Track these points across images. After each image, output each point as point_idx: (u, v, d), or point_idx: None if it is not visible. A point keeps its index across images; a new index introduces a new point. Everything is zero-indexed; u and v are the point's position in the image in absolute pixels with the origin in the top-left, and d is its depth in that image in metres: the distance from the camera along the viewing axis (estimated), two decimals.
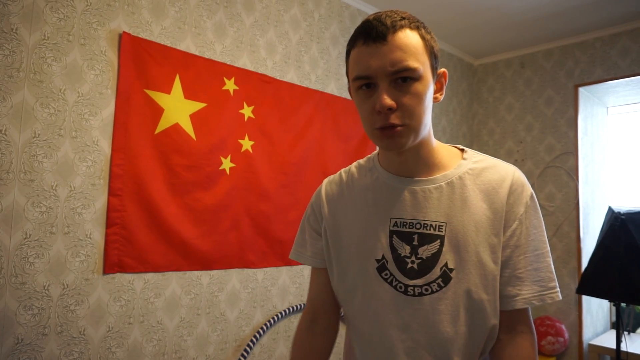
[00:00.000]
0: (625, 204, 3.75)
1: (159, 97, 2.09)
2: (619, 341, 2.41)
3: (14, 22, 1.74)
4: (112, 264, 1.93)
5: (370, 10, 3.13)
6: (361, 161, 1.01)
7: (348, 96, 2.96)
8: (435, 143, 0.92)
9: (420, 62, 0.80)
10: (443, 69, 0.89)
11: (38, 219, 1.77)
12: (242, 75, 2.40)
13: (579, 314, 3.34)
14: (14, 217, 1.72)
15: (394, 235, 0.88)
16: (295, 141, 2.59)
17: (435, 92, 0.88)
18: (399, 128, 0.81)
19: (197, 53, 2.25)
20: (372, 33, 0.80)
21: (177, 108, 2.15)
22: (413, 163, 0.89)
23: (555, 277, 0.86)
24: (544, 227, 0.88)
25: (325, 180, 1.04)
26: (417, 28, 0.82)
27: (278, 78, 2.57)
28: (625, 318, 3.44)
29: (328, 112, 2.77)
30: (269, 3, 2.59)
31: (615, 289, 2.29)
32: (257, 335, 2.35)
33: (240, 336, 2.35)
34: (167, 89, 2.12)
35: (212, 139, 2.26)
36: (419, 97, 0.81)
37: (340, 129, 2.82)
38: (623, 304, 2.43)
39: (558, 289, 0.85)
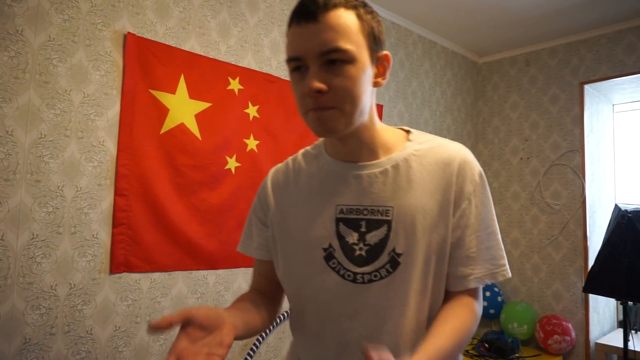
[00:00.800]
0: (632, 202, 3.73)
1: (164, 97, 2.10)
2: (626, 340, 2.40)
3: (20, 23, 1.75)
4: (119, 263, 1.93)
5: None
6: (308, 148, 0.97)
7: None
8: (379, 126, 0.88)
9: (353, 44, 0.76)
10: (385, 52, 0.84)
11: (45, 219, 1.78)
12: (247, 75, 2.40)
13: (585, 313, 3.32)
14: (21, 217, 1.73)
15: (341, 223, 0.85)
16: (301, 140, 2.59)
17: (377, 76, 0.84)
18: (328, 110, 0.77)
19: (201, 53, 2.26)
20: (303, 12, 0.76)
21: (182, 108, 2.15)
22: (356, 148, 0.86)
23: (505, 254, 0.85)
24: (492, 204, 0.87)
25: (272, 170, 1.00)
26: (355, 7, 0.78)
27: (283, 77, 2.57)
28: (633, 317, 3.42)
29: None
30: (272, 2, 2.59)
31: (622, 288, 2.28)
32: (264, 334, 2.36)
33: None
34: (172, 89, 2.12)
35: (217, 139, 2.26)
36: (352, 80, 0.77)
37: None
38: (630, 303, 2.41)
39: (507, 266, 0.85)
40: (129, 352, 1.97)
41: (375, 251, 0.83)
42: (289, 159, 0.99)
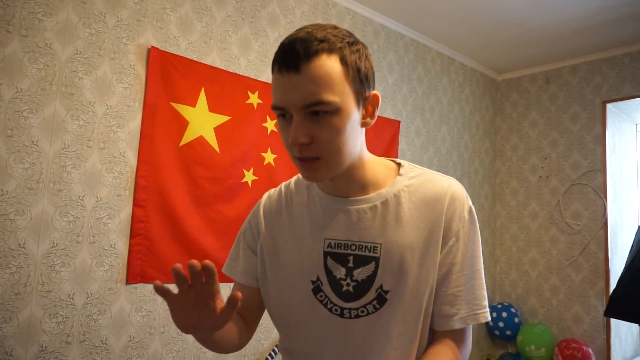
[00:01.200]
0: None
1: (185, 110, 2.13)
2: None
3: (49, 37, 1.80)
4: (135, 274, 1.95)
5: (393, 27, 3.14)
6: (300, 176, 0.94)
7: (380, 113, 2.95)
8: (369, 161, 0.87)
9: (337, 94, 0.74)
10: (374, 92, 0.81)
11: (65, 228, 1.81)
12: (266, 89, 2.42)
13: (607, 338, 3.22)
14: (42, 226, 1.76)
15: (329, 257, 0.84)
16: None
17: (365, 116, 0.82)
18: (314, 161, 0.77)
19: (222, 67, 2.29)
20: (285, 61, 0.73)
21: (202, 121, 2.18)
22: (346, 184, 0.85)
23: (486, 295, 0.84)
24: (480, 242, 0.86)
25: (265, 195, 0.98)
26: (339, 50, 0.74)
27: None
28: None
29: None
30: (292, 18, 2.62)
31: None
32: (276, 349, 2.34)
33: (259, 350, 2.34)
34: (193, 102, 2.15)
35: (235, 152, 2.28)
36: (336, 131, 0.75)
37: None
38: None
39: (487, 309, 0.84)
40: None
41: (362, 287, 0.82)
42: (282, 185, 0.98)
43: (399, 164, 0.90)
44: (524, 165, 3.85)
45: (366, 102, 0.81)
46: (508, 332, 3.48)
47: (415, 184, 0.86)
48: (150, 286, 2.01)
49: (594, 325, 3.29)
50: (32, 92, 1.75)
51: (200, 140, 2.17)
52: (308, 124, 0.75)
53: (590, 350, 3.13)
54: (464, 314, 0.82)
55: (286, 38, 0.75)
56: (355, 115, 0.78)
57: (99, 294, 1.87)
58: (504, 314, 3.50)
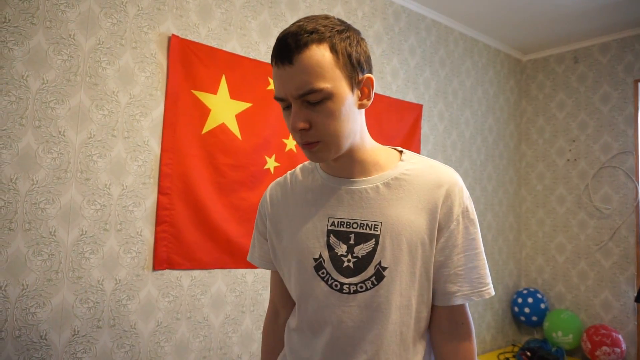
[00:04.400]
0: None
1: (206, 98, 2.13)
2: None
3: (72, 28, 1.81)
4: (161, 260, 1.98)
5: (414, 9, 3.06)
6: (306, 163, 1.03)
7: (392, 94, 2.91)
8: (370, 145, 0.93)
9: (328, 80, 0.79)
10: (367, 75, 0.86)
11: (93, 216, 1.84)
12: None
13: (637, 324, 3.14)
14: (71, 214, 1.80)
15: (331, 234, 0.90)
16: None
17: (361, 99, 0.87)
18: (314, 144, 0.83)
19: (242, 54, 2.28)
20: (280, 55, 0.80)
21: (224, 108, 2.18)
22: (349, 165, 0.91)
23: (489, 274, 0.90)
24: (478, 226, 0.91)
25: (272, 184, 1.05)
26: (328, 39, 0.80)
27: None
28: None
29: (371, 111, 2.74)
30: (312, 3, 2.58)
31: None
32: None
33: None
34: (214, 90, 2.15)
35: (257, 139, 2.28)
36: (332, 115, 0.81)
37: (383, 128, 2.78)
38: None
39: (491, 286, 0.90)
40: (170, 348, 2.01)
41: (362, 263, 0.87)
42: (288, 173, 1.04)
43: (400, 152, 0.96)
44: (551, 149, 3.75)
45: (361, 85, 0.85)
46: (534, 318, 3.43)
47: (417, 169, 0.91)
48: (176, 272, 2.04)
49: (624, 312, 3.21)
50: (57, 83, 1.78)
51: (222, 128, 2.18)
52: (305, 111, 0.81)
53: (620, 336, 3.06)
54: (467, 291, 0.88)
55: (281, 32, 0.82)
56: (349, 98, 0.83)
57: (127, 280, 1.92)
58: (530, 300, 3.45)
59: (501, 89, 3.76)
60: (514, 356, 3.17)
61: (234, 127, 2.21)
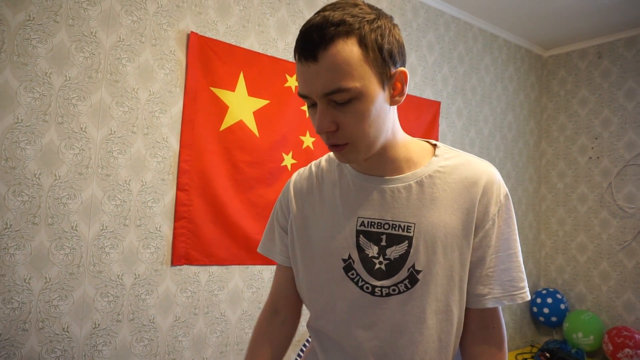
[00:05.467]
0: None
1: (224, 95, 2.14)
2: None
3: (93, 25, 1.84)
4: (180, 256, 2.00)
5: (433, 4, 3.03)
6: (332, 154, 0.94)
7: (410, 91, 2.89)
8: (403, 140, 0.86)
9: (357, 79, 0.72)
10: (400, 69, 0.77)
11: (113, 211, 1.87)
12: None
13: None
14: (92, 209, 1.83)
15: (361, 235, 0.85)
16: None
17: (393, 95, 0.79)
18: (344, 146, 0.77)
19: (260, 51, 2.28)
20: (304, 51, 0.72)
21: (241, 105, 2.19)
22: (380, 164, 0.85)
23: (525, 277, 0.84)
24: (516, 226, 0.85)
25: (295, 174, 0.98)
26: (357, 31, 0.71)
27: None
28: None
29: None
30: None
31: None
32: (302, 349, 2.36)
33: (299, 331, 2.37)
34: (232, 87, 2.16)
35: (274, 136, 2.28)
36: (361, 116, 0.74)
37: (402, 125, 2.75)
38: None
39: (527, 290, 0.84)
40: (188, 342, 2.03)
41: (394, 266, 0.82)
42: (312, 164, 0.97)
43: (434, 145, 0.89)
44: (572, 146, 3.67)
45: (392, 80, 0.78)
46: (553, 319, 3.37)
47: (451, 165, 0.85)
48: (194, 268, 2.06)
49: None
50: (79, 80, 1.81)
51: (240, 125, 2.19)
52: (332, 111, 0.74)
53: None
54: (498, 293, 0.82)
55: (305, 24, 0.74)
56: (380, 96, 0.76)
57: (146, 275, 1.94)
58: (549, 300, 3.39)
59: (521, 86, 3.69)
60: (532, 357, 3.12)
61: (251, 124, 2.22)
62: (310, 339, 1.07)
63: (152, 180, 1.97)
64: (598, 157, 3.50)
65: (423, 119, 2.93)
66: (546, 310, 3.39)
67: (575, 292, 3.52)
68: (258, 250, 1.02)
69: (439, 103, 3.04)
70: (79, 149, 1.80)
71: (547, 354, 3.02)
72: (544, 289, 3.51)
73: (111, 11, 1.88)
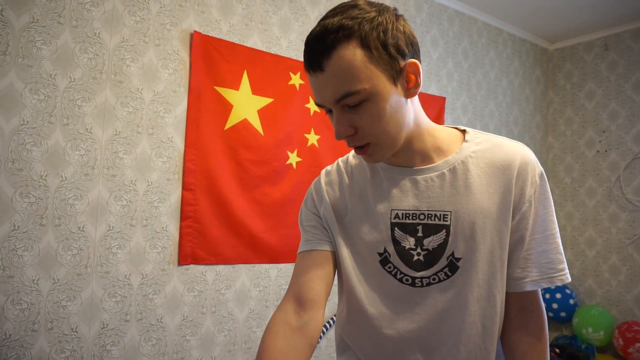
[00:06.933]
0: None
1: (228, 94, 2.14)
2: None
3: (97, 26, 1.84)
4: (186, 255, 2.00)
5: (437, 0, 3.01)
6: None
7: (424, 90, 2.87)
8: (429, 130, 0.85)
9: (364, 80, 0.72)
10: (410, 60, 0.76)
11: (120, 212, 1.88)
12: None
13: None
14: (99, 210, 1.83)
15: (396, 228, 0.84)
16: None
17: (408, 87, 0.78)
18: (367, 147, 0.78)
19: (263, 49, 2.28)
20: (310, 62, 0.74)
21: (246, 104, 2.18)
22: (408, 156, 0.84)
23: (565, 259, 0.82)
24: (553, 207, 0.83)
25: (323, 172, 0.97)
26: (356, 33, 0.71)
27: None
28: None
29: None
30: None
31: None
32: (324, 330, 2.36)
33: None
34: (236, 86, 2.16)
35: (279, 134, 2.28)
36: (376, 115, 0.75)
37: None
38: None
39: (567, 271, 0.82)
40: (196, 341, 2.04)
41: (433, 256, 0.82)
42: (339, 161, 0.96)
43: (463, 131, 0.88)
44: (580, 140, 3.64)
45: (404, 74, 0.77)
46: (562, 314, 3.34)
47: (483, 149, 0.84)
48: (201, 267, 2.06)
49: None
50: (84, 82, 1.81)
51: (245, 123, 2.19)
52: (347, 116, 0.75)
53: None
54: (536, 276, 0.81)
55: (308, 36, 0.75)
56: (393, 93, 0.76)
57: (153, 274, 1.95)
58: (558, 295, 3.36)
59: (527, 80, 3.66)
60: None
61: (256, 123, 2.22)
62: (335, 324, 1.03)
63: (158, 180, 1.98)
64: (606, 151, 3.47)
65: (428, 115, 2.86)
66: (555, 306, 3.36)
67: (584, 287, 3.49)
68: (299, 252, 0.93)
69: (444, 99, 3.03)
70: (85, 150, 1.81)
71: (557, 350, 2.99)
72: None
73: (114, 12, 1.88)
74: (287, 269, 2.31)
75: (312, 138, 2.40)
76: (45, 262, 1.71)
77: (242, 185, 2.17)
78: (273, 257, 2.24)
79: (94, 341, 1.80)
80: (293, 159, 2.33)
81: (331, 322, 2.39)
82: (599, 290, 3.41)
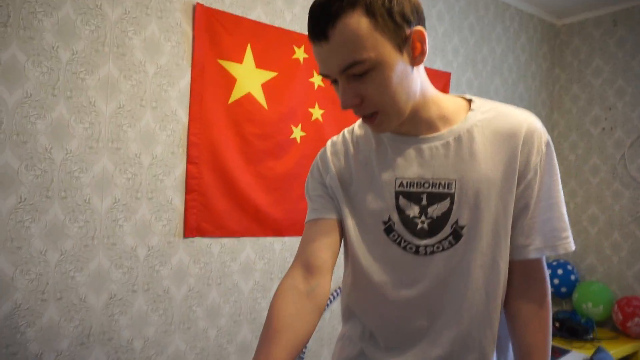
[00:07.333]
0: None
1: (232, 67, 2.12)
2: None
3: None
4: (192, 228, 2.02)
5: None
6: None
7: (429, 65, 2.84)
8: (434, 99, 0.85)
9: (370, 49, 0.71)
10: (416, 28, 0.75)
11: (125, 185, 1.89)
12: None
13: None
14: (104, 183, 1.84)
15: (400, 196, 0.85)
16: None
17: (414, 55, 0.77)
18: (374, 116, 0.78)
19: (267, 22, 2.25)
20: (314, 31, 0.73)
21: (249, 77, 2.17)
22: (414, 124, 0.84)
23: (569, 227, 0.83)
24: (559, 175, 0.84)
25: (329, 142, 0.98)
26: (361, 2, 0.70)
27: None
28: None
29: None
30: None
31: None
32: (330, 300, 2.39)
33: None
34: (239, 59, 2.14)
35: (282, 108, 2.27)
36: (383, 84, 0.74)
37: None
38: None
39: (571, 239, 0.82)
40: (202, 312, 2.08)
41: (437, 224, 0.83)
42: (345, 131, 0.97)
43: (469, 100, 0.88)
44: (585, 117, 3.61)
45: (410, 42, 0.76)
46: (563, 290, 3.38)
47: (489, 118, 0.84)
48: (206, 240, 2.08)
49: None
50: (87, 54, 1.80)
51: (249, 97, 2.18)
52: (353, 85, 0.75)
53: None
54: (540, 244, 0.82)
55: (311, 4, 0.74)
56: (399, 62, 0.75)
57: (159, 247, 1.97)
58: (560, 271, 3.39)
59: (533, 56, 3.62)
60: None
61: (260, 97, 2.21)
62: (341, 293, 1.05)
63: (162, 154, 1.98)
64: (612, 128, 3.45)
65: None
66: (556, 281, 3.39)
67: (585, 264, 3.52)
68: (306, 222, 0.95)
69: (449, 74, 3.00)
70: (89, 123, 1.81)
71: (557, 324, 3.04)
72: (555, 261, 3.51)
73: None
74: (292, 242, 2.34)
75: (316, 112, 2.40)
76: (52, 234, 1.73)
77: (246, 159, 2.17)
78: (277, 230, 2.26)
79: (102, 311, 1.83)
80: (297, 133, 2.33)
81: (335, 294, 2.42)
82: (600, 267, 3.43)
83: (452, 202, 0.82)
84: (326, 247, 0.90)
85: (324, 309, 0.91)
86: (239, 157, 2.15)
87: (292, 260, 2.34)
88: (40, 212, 1.71)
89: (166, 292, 1.99)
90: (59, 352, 1.73)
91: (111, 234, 1.86)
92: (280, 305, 0.84)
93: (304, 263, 0.89)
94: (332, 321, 2.47)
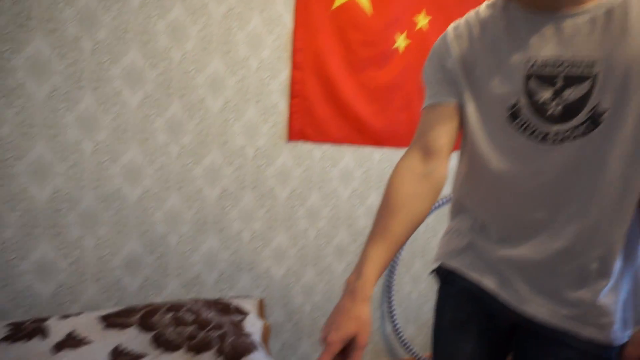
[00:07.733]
0: None
1: None
2: None
3: None
4: (295, 132, 2.09)
5: None
6: (488, 2, 0.87)
7: None
8: None
9: None
10: None
11: (235, 87, 1.98)
12: None
13: None
14: (216, 85, 1.95)
15: (532, 79, 0.78)
16: None
17: None
18: None
19: None
20: None
21: None
22: None
23: None
24: None
25: (451, 26, 0.92)
26: None
27: None
28: None
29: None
30: None
31: None
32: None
33: None
34: None
35: (387, 15, 2.19)
36: None
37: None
38: None
39: None
40: (303, 212, 2.19)
41: (572, 108, 0.75)
42: (471, 13, 0.90)
43: None
44: None
45: None
46: None
47: None
48: (308, 145, 2.15)
49: None
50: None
51: (352, 3, 2.12)
52: None
53: None
54: None
55: None
56: None
57: (265, 148, 2.07)
58: None
59: None
60: None
61: (364, 2, 2.14)
62: (453, 188, 1.03)
63: (269, 57, 2.03)
64: None
65: None
66: None
67: None
68: (423, 109, 0.94)
69: None
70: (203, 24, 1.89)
71: None
72: None
73: None
74: (390, 153, 2.33)
75: (422, 21, 2.28)
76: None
77: (349, 67, 2.15)
78: (377, 140, 2.26)
79: (215, 202, 2.00)
80: (400, 42, 2.24)
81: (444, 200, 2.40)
82: None
83: (593, 85, 0.74)
84: (445, 133, 0.89)
85: (440, 192, 0.90)
86: (342, 65, 2.14)
87: (389, 170, 2.34)
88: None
89: (271, 191, 2.11)
90: (181, 234, 1.95)
91: (223, 132, 1.98)
92: (399, 184, 0.87)
93: (422, 146, 0.90)
94: (427, 234, 2.47)
